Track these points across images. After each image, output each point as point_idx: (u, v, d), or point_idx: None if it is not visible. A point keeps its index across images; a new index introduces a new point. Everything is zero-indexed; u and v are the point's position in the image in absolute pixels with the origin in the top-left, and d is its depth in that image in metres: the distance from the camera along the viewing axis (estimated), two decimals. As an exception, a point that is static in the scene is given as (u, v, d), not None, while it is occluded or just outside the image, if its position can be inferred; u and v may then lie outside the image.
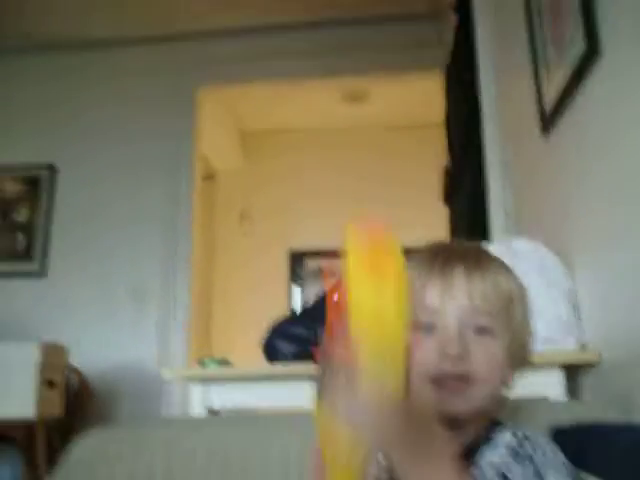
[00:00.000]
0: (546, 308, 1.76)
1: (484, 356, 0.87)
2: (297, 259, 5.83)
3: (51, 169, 4.38)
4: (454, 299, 0.89)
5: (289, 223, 5.78)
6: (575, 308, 1.81)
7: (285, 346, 1.88)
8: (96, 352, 3.88)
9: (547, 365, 1.74)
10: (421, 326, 0.89)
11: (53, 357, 3.33)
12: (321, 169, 5.84)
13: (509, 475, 0.80)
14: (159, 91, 4.44)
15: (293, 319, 2.00)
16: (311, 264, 5.82)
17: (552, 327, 1.77)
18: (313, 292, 5.24)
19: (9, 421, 3.16)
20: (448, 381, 0.86)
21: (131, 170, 4.33)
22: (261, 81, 4.58)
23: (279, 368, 1.80)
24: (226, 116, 5.57)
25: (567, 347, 1.78)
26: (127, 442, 1.17)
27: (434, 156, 4.68)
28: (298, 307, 5.34)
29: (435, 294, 0.90)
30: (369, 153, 5.79)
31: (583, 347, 1.79)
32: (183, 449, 1.12)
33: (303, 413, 1.15)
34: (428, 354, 0.87)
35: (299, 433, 1.09)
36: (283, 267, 5.83)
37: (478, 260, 0.93)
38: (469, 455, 0.85)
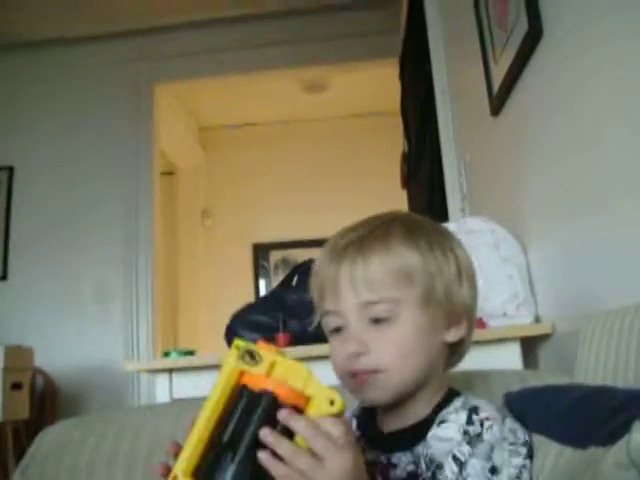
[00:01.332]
0: (502, 284, 1.80)
1: (386, 346, 0.86)
2: (261, 252, 5.85)
3: (10, 170, 4.33)
4: (342, 300, 0.88)
5: (252, 217, 5.79)
6: (529, 282, 1.86)
7: (247, 334, 1.90)
8: (61, 353, 3.86)
9: (504, 339, 1.79)
10: (330, 330, 0.91)
11: (18, 359, 3.31)
12: (282, 162, 5.85)
13: (459, 455, 0.81)
14: (116, 88, 4.40)
15: (254, 307, 2.02)
16: (275, 256, 5.84)
17: (508, 303, 1.82)
18: (277, 284, 5.26)
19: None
20: (358, 375, 0.87)
21: (89, 169, 4.29)
22: (218, 75, 4.56)
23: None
24: (184, 112, 5.55)
25: (523, 321, 1.83)
26: (92, 429, 1.18)
27: (393, 143, 4.73)
28: (262, 297, 5.37)
29: (328, 299, 0.91)
30: (329, 143, 5.82)
31: (537, 320, 1.84)
32: (147, 433, 1.13)
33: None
34: (337, 354, 0.89)
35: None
36: (247, 261, 5.85)
37: (368, 245, 0.88)
38: (424, 430, 0.87)
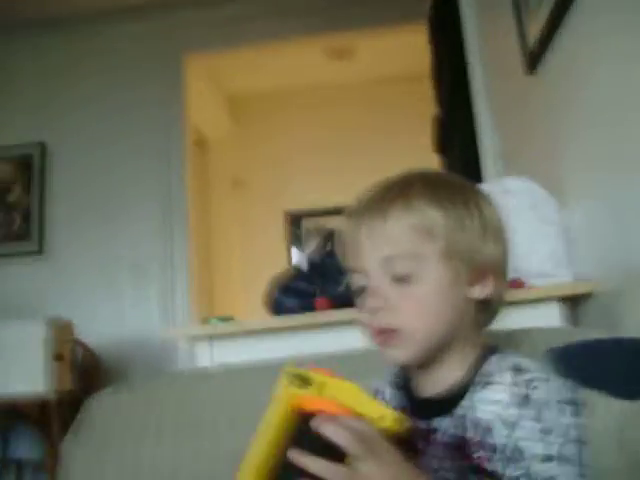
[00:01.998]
0: (540, 243, 1.79)
1: (408, 304, 0.86)
2: (294, 220, 5.86)
3: (42, 147, 4.37)
4: (363, 256, 0.89)
5: (283, 185, 5.77)
6: (569, 241, 1.84)
7: (288, 300, 1.91)
8: (100, 326, 3.91)
9: (544, 299, 1.77)
10: (355, 289, 0.91)
11: (60, 333, 3.36)
12: (311, 128, 5.82)
13: (508, 418, 0.80)
14: (145, 60, 4.40)
15: (295, 275, 2.03)
16: (308, 223, 5.84)
17: (547, 262, 1.81)
18: (311, 251, 5.26)
19: (22, 398, 3.21)
20: (380, 335, 0.87)
21: (122, 142, 4.31)
22: (246, 44, 4.54)
23: (283, 320, 1.83)
24: (213, 82, 5.54)
25: (562, 280, 1.81)
26: (139, 397, 1.21)
27: (424, 107, 4.67)
28: (299, 264, 5.38)
29: (351, 258, 0.91)
30: (359, 108, 5.76)
31: (578, 279, 1.82)
32: (193, 400, 1.15)
33: (310, 360, 1.18)
34: (362, 313, 0.89)
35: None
36: (280, 229, 5.86)
37: (388, 201, 0.88)
38: (462, 392, 0.86)
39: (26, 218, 4.32)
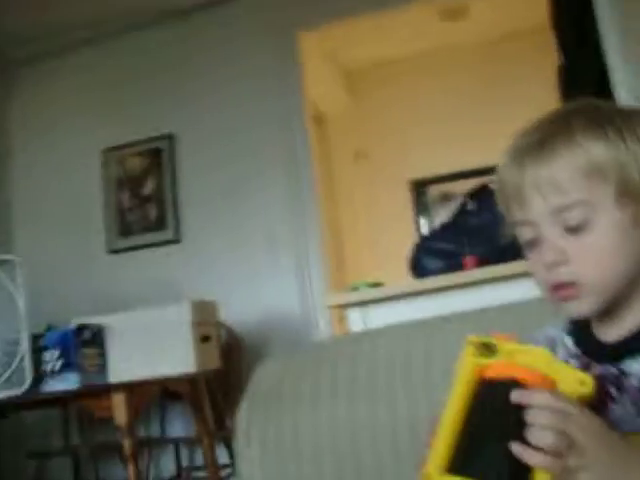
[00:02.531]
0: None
1: (585, 255, 0.80)
2: (419, 187, 5.81)
3: (170, 138, 4.51)
4: (530, 207, 0.83)
5: (406, 153, 5.71)
6: None
7: (431, 262, 1.90)
8: (239, 305, 4.00)
9: None
10: (525, 242, 0.86)
11: (205, 314, 3.48)
12: (430, 94, 5.72)
13: None
14: (260, 39, 4.42)
15: (435, 236, 2.01)
16: (434, 191, 5.78)
17: None
18: (439, 217, 5.20)
19: (174, 377, 3.34)
20: (559, 290, 0.82)
21: (246, 124, 4.38)
22: (358, 15, 4.50)
23: (432, 282, 1.82)
24: (328, 57, 5.54)
25: None
26: (309, 360, 1.22)
27: (544, 62, 4.49)
28: (434, 225, 5.33)
29: (515, 208, 0.86)
30: (476, 68, 5.61)
31: None
32: (365, 359, 1.15)
33: (475, 313, 1.17)
34: (535, 266, 0.85)
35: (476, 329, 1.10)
36: (406, 198, 5.82)
37: (550, 142, 0.82)
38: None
39: (161, 208, 4.48)
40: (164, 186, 4.50)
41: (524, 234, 0.86)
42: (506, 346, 0.74)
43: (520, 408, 0.69)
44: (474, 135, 5.30)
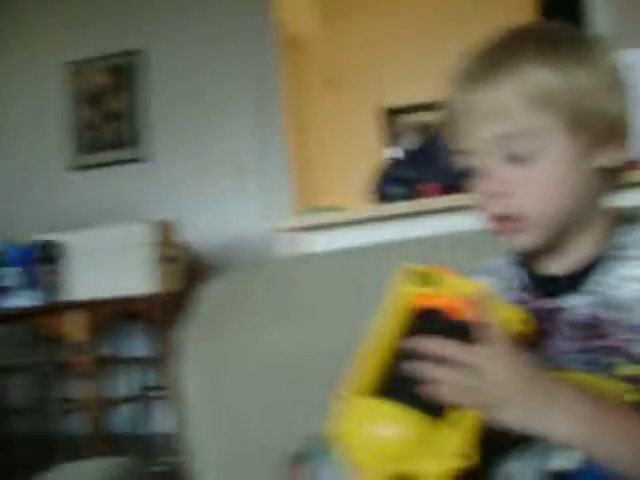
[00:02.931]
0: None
1: (531, 187, 0.76)
2: (391, 116, 5.74)
3: (137, 54, 4.36)
4: (475, 134, 0.77)
5: (377, 80, 5.61)
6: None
7: (394, 189, 1.86)
8: (204, 227, 3.97)
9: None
10: (468, 171, 0.81)
11: (166, 234, 3.44)
12: (403, 17, 5.56)
13: None
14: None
15: (400, 162, 1.97)
16: (406, 119, 5.71)
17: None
18: (410, 145, 5.15)
19: (133, 297, 3.32)
20: (499, 222, 0.78)
21: (215, 45, 4.25)
22: None
23: (390, 208, 1.78)
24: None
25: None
26: (253, 281, 1.19)
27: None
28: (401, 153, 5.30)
29: (461, 136, 0.80)
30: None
31: None
32: (311, 281, 1.12)
33: (413, 243, 1.14)
34: (479, 198, 0.80)
35: (427, 255, 1.07)
36: (377, 126, 5.76)
37: (498, 67, 0.76)
38: (597, 269, 0.78)
39: (127, 126, 4.38)
40: (129, 104, 4.38)
41: (469, 163, 0.81)
42: (444, 278, 0.71)
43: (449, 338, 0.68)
44: (449, 59, 5.19)
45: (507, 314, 0.70)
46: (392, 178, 1.88)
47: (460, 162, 0.82)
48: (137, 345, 4.04)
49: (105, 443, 3.32)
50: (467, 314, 0.69)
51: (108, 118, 4.42)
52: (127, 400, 3.98)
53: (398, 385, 0.67)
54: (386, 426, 0.66)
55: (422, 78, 5.36)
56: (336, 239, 1.83)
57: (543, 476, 0.74)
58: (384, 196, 1.88)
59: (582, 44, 0.79)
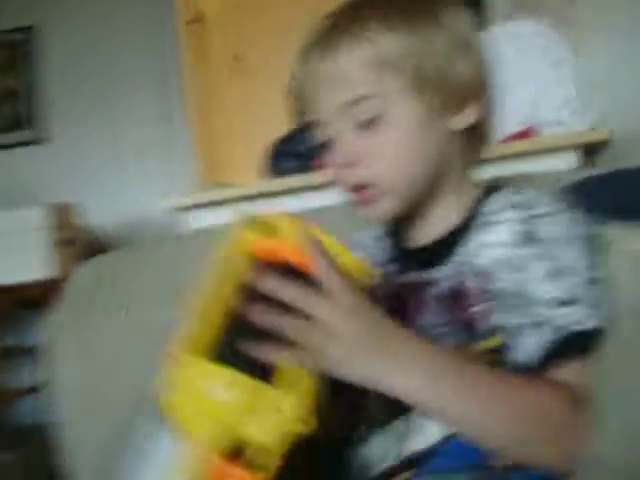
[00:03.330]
0: (553, 90, 1.67)
1: (380, 153, 0.74)
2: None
3: (32, 31, 4.19)
4: (320, 105, 0.76)
5: (287, 58, 5.56)
6: (585, 88, 1.72)
7: (287, 163, 1.83)
8: (107, 209, 3.86)
9: (559, 148, 1.67)
10: (321, 144, 0.78)
11: (62, 217, 3.33)
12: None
13: (514, 260, 0.70)
14: None
15: (294, 136, 1.94)
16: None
17: (561, 109, 1.69)
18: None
19: (30, 284, 3.20)
20: (355, 192, 0.76)
21: (115, 24, 4.12)
22: None
23: (279, 183, 1.75)
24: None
25: (578, 128, 1.70)
26: (126, 262, 1.14)
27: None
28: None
29: (308, 108, 0.78)
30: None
31: (594, 127, 1.71)
32: (184, 261, 1.07)
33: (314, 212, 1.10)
34: (332, 170, 0.77)
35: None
36: (285, 103, 5.71)
37: (336, 35, 0.74)
38: (460, 237, 0.76)
39: (23, 106, 4.21)
40: (25, 83, 4.21)
41: (319, 135, 0.78)
42: (280, 222, 0.65)
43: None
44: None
45: (349, 265, 0.66)
46: (284, 153, 1.85)
47: (317, 135, 0.78)
48: (37, 334, 3.90)
49: (10, 436, 3.21)
50: (311, 266, 0.64)
51: (2, 98, 4.24)
52: (31, 391, 3.85)
53: (231, 346, 0.62)
54: (217, 390, 0.61)
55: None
56: (228, 216, 1.78)
57: (404, 458, 0.72)
58: (277, 171, 1.84)
59: (425, 7, 0.76)
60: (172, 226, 3.78)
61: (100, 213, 3.75)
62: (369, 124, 0.73)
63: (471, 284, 0.72)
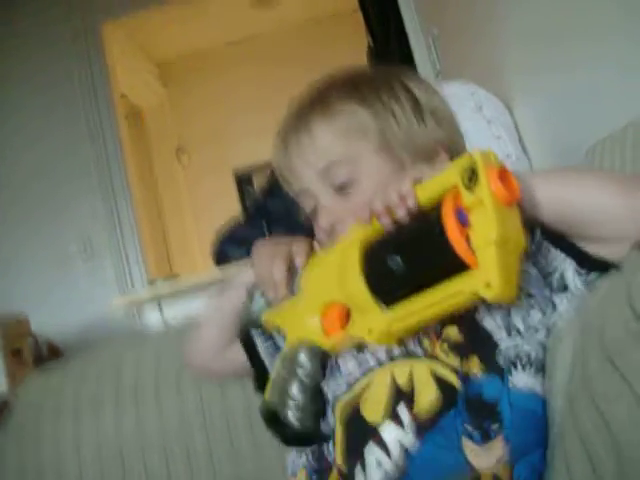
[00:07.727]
0: (490, 146, 1.67)
1: (357, 213, 0.76)
2: (244, 178, 5.71)
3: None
4: (301, 176, 0.84)
5: (228, 145, 5.59)
6: (519, 141, 1.75)
7: (233, 250, 1.80)
8: (57, 314, 3.73)
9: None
10: (308, 213, 0.87)
11: (13, 328, 3.22)
12: (248, 83, 5.59)
13: None
14: (61, 32, 4.15)
15: (238, 223, 1.92)
16: (260, 179, 5.69)
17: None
18: (254, 195, 5.10)
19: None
20: None
21: (54, 127, 4.08)
22: (164, 3, 4.33)
23: (226, 271, 1.71)
24: (138, 50, 5.31)
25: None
26: (72, 372, 1.09)
27: (356, 43, 4.54)
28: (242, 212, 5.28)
29: (292, 182, 0.86)
30: (291, 55, 5.55)
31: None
32: (129, 366, 1.03)
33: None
34: (320, 237, 0.85)
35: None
36: (232, 189, 5.70)
37: (308, 112, 0.84)
38: None
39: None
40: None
41: (305, 205, 0.86)
42: (484, 190, 0.61)
43: None
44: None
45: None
46: (230, 239, 1.82)
47: (302, 205, 0.87)
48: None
49: None
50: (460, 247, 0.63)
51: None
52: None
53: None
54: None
55: (270, 137, 5.40)
56: (181, 309, 1.74)
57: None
58: (224, 258, 1.81)
59: (387, 77, 0.87)
60: (124, 325, 3.72)
61: (50, 319, 3.62)
62: (344, 185, 0.81)
63: None
